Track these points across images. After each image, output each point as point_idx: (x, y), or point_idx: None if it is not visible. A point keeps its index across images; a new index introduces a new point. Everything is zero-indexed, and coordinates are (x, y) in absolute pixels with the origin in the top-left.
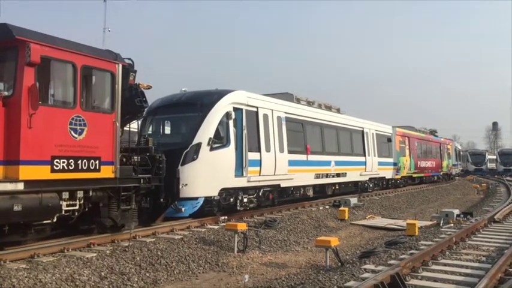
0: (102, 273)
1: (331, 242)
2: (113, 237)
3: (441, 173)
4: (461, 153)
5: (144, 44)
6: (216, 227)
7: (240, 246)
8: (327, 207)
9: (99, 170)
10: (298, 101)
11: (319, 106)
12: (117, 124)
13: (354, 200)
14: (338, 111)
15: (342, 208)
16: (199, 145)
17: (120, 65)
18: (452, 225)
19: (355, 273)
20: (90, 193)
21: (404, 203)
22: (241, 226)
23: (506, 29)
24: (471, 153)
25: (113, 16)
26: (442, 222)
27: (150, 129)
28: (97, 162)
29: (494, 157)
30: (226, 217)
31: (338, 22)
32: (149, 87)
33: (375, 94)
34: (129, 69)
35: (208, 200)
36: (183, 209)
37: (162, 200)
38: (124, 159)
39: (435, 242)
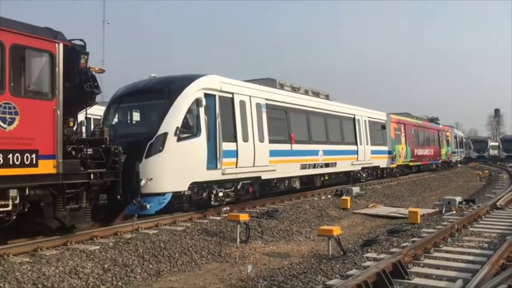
0: (106, 266)
1: (333, 231)
2: (116, 230)
3: (440, 161)
4: (463, 140)
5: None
6: (218, 218)
7: (242, 237)
8: (329, 196)
9: (36, 165)
10: (281, 86)
11: (306, 92)
12: (59, 112)
13: (356, 189)
14: (327, 97)
15: (344, 197)
16: (165, 135)
17: (61, 45)
18: (454, 212)
19: (358, 261)
20: (27, 191)
21: (406, 191)
22: (244, 217)
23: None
24: (473, 140)
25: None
26: (444, 209)
27: (114, 118)
28: (33, 156)
29: (497, 144)
30: (228, 208)
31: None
32: (102, 71)
33: (376, 81)
34: (79, 51)
35: (177, 195)
36: (148, 205)
37: (119, 196)
38: (73, 152)
39: (437, 230)
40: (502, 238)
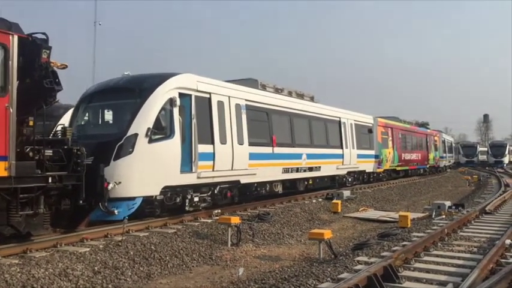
0: (96, 268)
1: (324, 235)
2: (106, 232)
3: (427, 166)
4: (453, 145)
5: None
6: (210, 220)
7: (233, 240)
8: (320, 200)
9: None
10: (263, 87)
11: (289, 94)
12: (11, 110)
13: (347, 193)
14: (312, 99)
15: (334, 201)
16: (135, 136)
17: (16, 37)
18: (444, 216)
19: (349, 265)
20: None
21: (397, 195)
22: (235, 219)
23: (498, 20)
24: (462, 145)
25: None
26: (434, 214)
27: (83, 118)
28: None
29: (486, 149)
30: (219, 211)
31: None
32: (64, 67)
33: (365, 85)
34: (41, 45)
35: (148, 200)
36: (116, 211)
37: (81, 201)
38: (31, 154)
39: (427, 234)
40: (491, 242)
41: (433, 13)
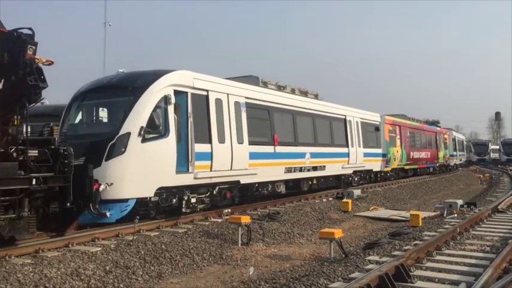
0: (107, 267)
1: (335, 234)
2: (117, 231)
3: (437, 164)
4: (464, 143)
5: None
6: (220, 220)
7: (243, 239)
8: (330, 199)
9: None
10: (265, 84)
11: (292, 91)
12: None
13: (357, 192)
14: (316, 97)
15: (345, 200)
16: (128, 136)
17: None
18: (456, 215)
19: (360, 264)
20: None
21: (408, 194)
22: (245, 219)
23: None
24: (474, 143)
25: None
26: (445, 212)
27: (75, 117)
28: None
29: (497, 147)
30: (229, 210)
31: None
32: (50, 63)
33: (374, 83)
34: (26, 41)
35: (142, 201)
36: (108, 213)
37: (69, 204)
38: (15, 154)
39: (439, 233)
40: (504, 241)
41: (440, 12)
